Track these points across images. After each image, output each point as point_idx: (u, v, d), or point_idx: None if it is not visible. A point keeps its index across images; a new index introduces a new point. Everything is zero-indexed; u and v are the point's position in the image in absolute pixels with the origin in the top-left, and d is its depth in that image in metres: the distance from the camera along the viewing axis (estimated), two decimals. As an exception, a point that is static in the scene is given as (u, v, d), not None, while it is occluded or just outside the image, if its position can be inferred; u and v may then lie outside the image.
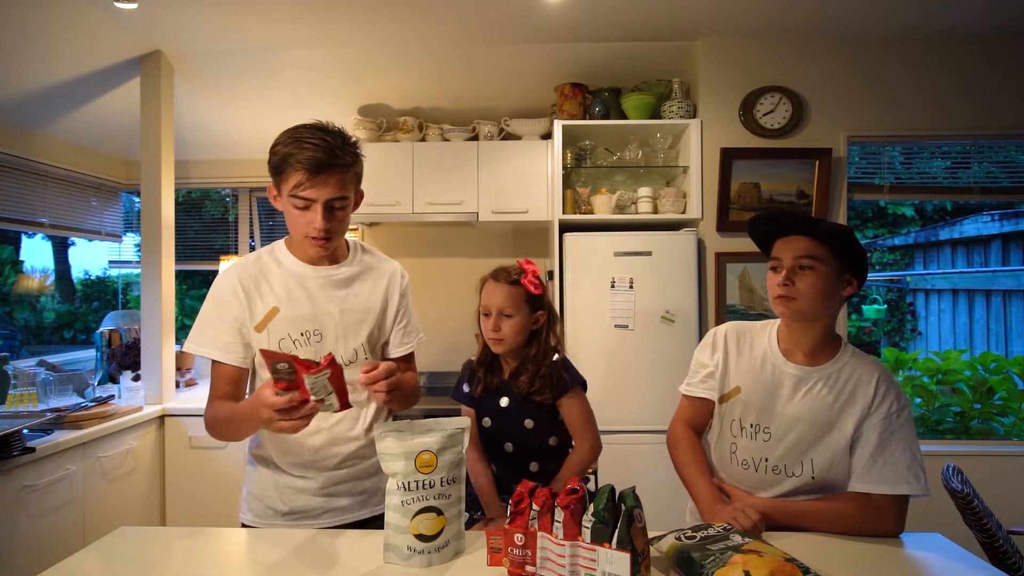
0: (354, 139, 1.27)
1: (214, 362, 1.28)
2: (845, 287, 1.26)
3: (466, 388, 1.57)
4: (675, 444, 1.40)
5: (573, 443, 1.53)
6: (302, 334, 1.28)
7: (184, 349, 1.29)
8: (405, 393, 1.35)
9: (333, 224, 1.24)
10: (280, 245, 1.36)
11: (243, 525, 1.35)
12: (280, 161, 1.21)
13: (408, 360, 1.46)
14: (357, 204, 1.32)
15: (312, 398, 1.03)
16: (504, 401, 1.51)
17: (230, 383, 1.27)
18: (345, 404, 1.07)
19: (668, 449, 1.42)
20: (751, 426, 1.30)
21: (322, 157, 1.18)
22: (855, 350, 1.30)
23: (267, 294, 1.28)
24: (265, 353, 1.05)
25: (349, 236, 1.43)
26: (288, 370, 1.02)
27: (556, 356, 1.53)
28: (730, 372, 1.35)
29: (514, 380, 1.50)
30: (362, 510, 1.35)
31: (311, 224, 1.22)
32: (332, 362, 1.05)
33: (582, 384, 1.53)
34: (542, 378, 1.47)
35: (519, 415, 1.50)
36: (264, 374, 1.27)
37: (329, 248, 1.28)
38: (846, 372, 1.27)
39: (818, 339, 1.28)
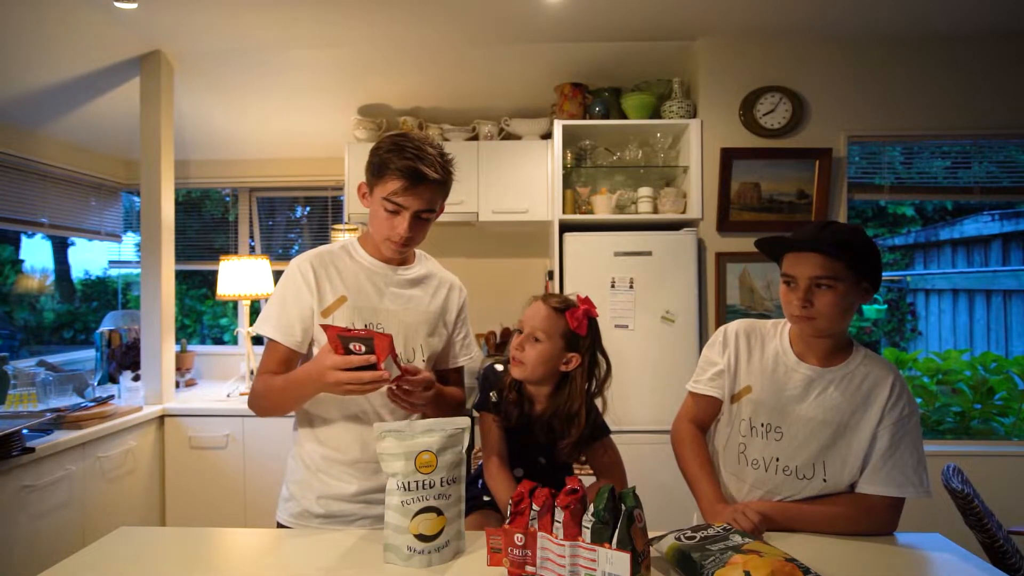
0: (451, 156, 1.32)
1: (270, 341, 1.32)
2: (863, 295, 1.23)
3: (494, 397, 1.42)
4: (680, 442, 1.39)
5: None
6: (365, 326, 1.32)
7: (248, 330, 1.32)
8: (453, 406, 1.41)
9: (415, 234, 1.30)
10: (354, 241, 1.41)
11: (279, 524, 1.36)
12: (380, 165, 1.26)
13: (459, 372, 1.51)
14: (439, 214, 1.36)
15: (383, 367, 1.14)
16: (525, 432, 1.40)
17: (281, 363, 1.31)
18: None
19: (672, 446, 1.42)
20: (762, 426, 1.29)
21: (421, 170, 1.22)
22: (867, 351, 1.29)
23: (336, 282, 1.33)
24: (337, 330, 1.13)
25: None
26: (367, 350, 1.13)
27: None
28: (741, 371, 1.34)
29: (546, 428, 1.37)
30: None
31: (395, 229, 1.28)
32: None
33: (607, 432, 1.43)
34: (585, 443, 1.36)
35: (535, 451, 1.41)
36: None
37: (403, 253, 1.36)
38: (860, 373, 1.26)
39: (832, 345, 1.27)
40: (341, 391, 1.16)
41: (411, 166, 1.22)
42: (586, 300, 1.37)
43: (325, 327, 1.17)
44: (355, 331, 1.15)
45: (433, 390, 1.27)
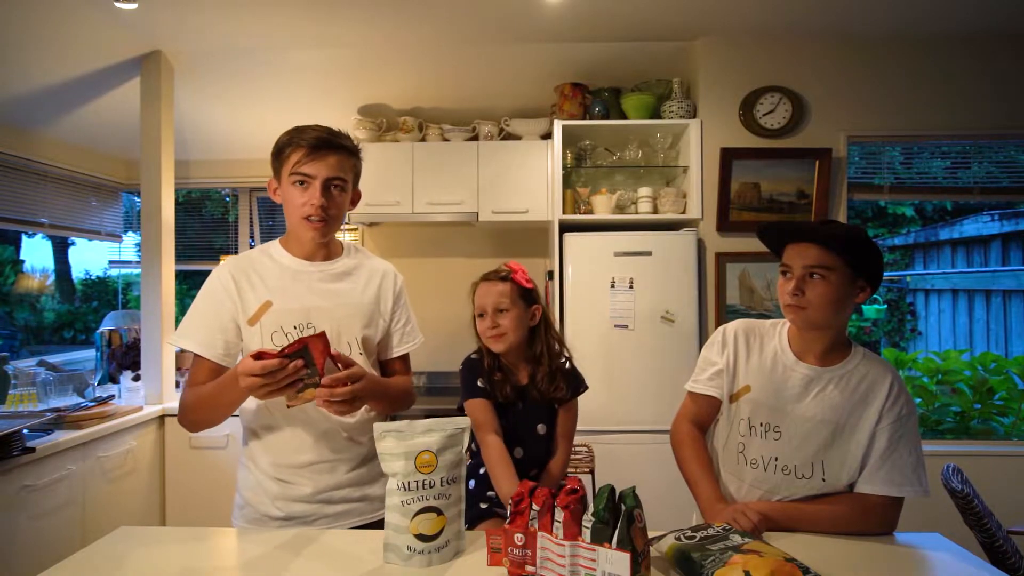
0: (356, 141, 1.33)
1: (196, 355, 1.28)
2: (858, 294, 1.24)
3: (480, 383, 1.47)
4: (679, 442, 1.40)
5: (556, 448, 1.50)
6: (295, 327, 1.29)
7: (168, 341, 1.30)
8: (398, 396, 1.39)
9: (330, 206, 1.27)
10: (275, 243, 1.38)
11: None
12: (282, 145, 1.27)
13: (404, 361, 1.47)
14: (355, 202, 1.35)
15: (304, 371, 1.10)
16: (519, 405, 1.49)
17: (210, 375, 1.26)
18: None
19: (672, 446, 1.42)
20: (761, 425, 1.30)
21: (324, 136, 1.25)
22: (866, 351, 1.30)
23: (259, 287, 1.30)
24: (268, 356, 1.08)
25: (347, 237, 1.45)
26: (306, 363, 1.09)
27: (564, 359, 1.54)
28: (739, 371, 1.34)
29: (531, 383, 1.48)
30: (357, 517, 1.34)
31: (309, 201, 1.25)
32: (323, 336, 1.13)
33: (585, 388, 1.56)
34: (562, 374, 1.49)
35: (533, 420, 1.48)
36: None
37: (325, 233, 1.30)
38: (858, 373, 1.26)
39: (829, 343, 1.28)
40: (262, 395, 1.10)
41: (313, 135, 1.24)
42: (513, 263, 1.53)
43: (257, 354, 1.09)
44: (284, 348, 1.09)
45: (363, 381, 1.17)
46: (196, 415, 1.26)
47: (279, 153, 1.27)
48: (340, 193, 1.29)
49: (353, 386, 1.16)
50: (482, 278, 1.51)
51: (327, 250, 1.37)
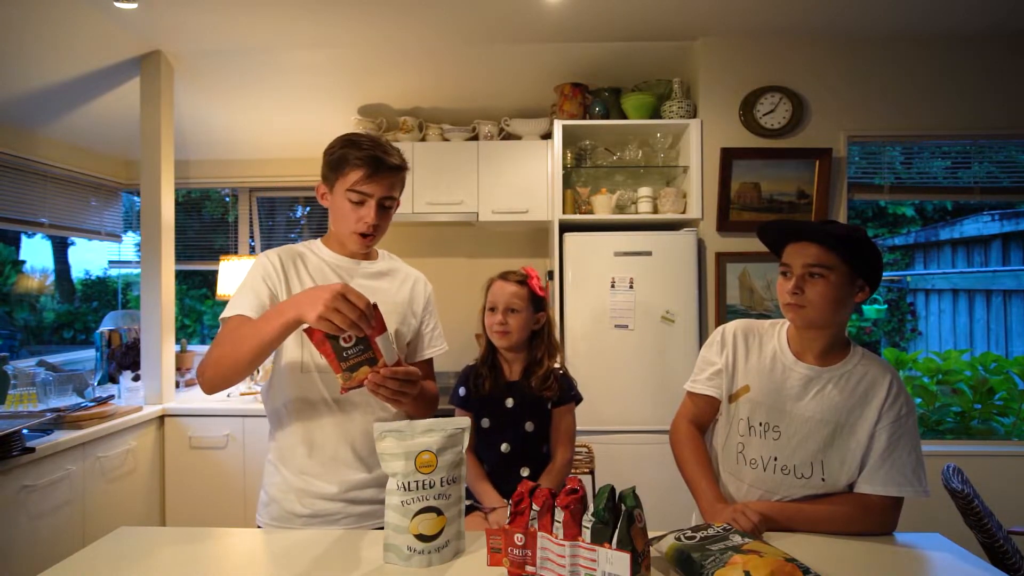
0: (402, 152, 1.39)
1: (239, 318, 1.23)
2: (857, 293, 1.24)
3: (462, 392, 1.62)
4: (678, 441, 1.40)
5: (553, 453, 1.60)
6: None
7: (221, 317, 1.29)
8: (427, 399, 1.40)
9: (381, 221, 1.33)
10: (317, 242, 1.43)
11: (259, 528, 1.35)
12: (339, 159, 1.29)
13: (429, 365, 1.52)
14: (397, 206, 1.41)
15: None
16: (509, 402, 1.58)
17: None
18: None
19: (671, 446, 1.43)
20: (760, 425, 1.30)
21: (381, 157, 1.28)
22: (865, 351, 1.30)
23: (303, 275, 1.35)
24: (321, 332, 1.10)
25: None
26: (356, 341, 1.12)
27: (558, 366, 1.64)
28: (739, 371, 1.34)
29: (524, 380, 1.59)
30: (382, 519, 1.32)
31: (363, 219, 1.30)
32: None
33: (579, 399, 1.66)
34: (555, 377, 1.60)
35: (521, 417, 1.57)
36: (287, 354, 1.33)
37: (370, 245, 1.38)
38: (857, 373, 1.26)
39: (828, 343, 1.28)
40: (329, 306, 1.04)
41: (371, 155, 1.27)
42: (531, 269, 1.65)
43: (308, 331, 1.09)
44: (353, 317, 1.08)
45: (415, 386, 1.19)
46: (224, 349, 1.18)
47: (336, 166, 1.30)
48: (390, 210, 1.36)
49: (405, 385, 1.16)
50: (500, 276, 1.63)
51: (366, 254, 1.43)
